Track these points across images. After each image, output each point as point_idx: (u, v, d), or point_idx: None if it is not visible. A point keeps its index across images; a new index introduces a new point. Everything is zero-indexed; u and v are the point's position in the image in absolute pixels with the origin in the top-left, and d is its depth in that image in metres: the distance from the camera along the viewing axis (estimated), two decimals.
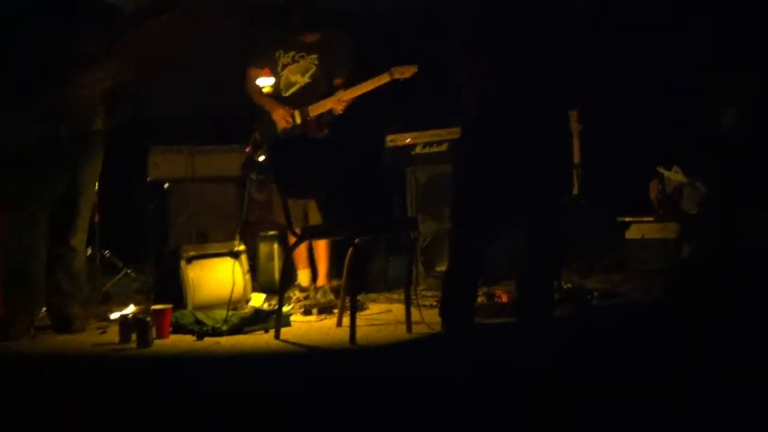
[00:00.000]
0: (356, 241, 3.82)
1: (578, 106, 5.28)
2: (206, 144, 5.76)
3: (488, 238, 3.85)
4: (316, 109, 4.71)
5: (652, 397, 2.52)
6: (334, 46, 4.76)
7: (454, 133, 5.11)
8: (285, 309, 4.12)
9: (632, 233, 5.49)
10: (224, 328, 3.89)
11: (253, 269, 5.01)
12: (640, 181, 5.42)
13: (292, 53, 4.74)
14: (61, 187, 4.01)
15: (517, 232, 3.85)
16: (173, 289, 4.39)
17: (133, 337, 3.70)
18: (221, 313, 4.04)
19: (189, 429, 2.51)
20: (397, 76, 4.52)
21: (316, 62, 4.74)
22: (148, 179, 5.57)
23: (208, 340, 3.77)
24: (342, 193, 4.55)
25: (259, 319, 4.01)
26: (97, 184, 4.43)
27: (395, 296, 4.81)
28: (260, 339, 3.80)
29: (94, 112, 4.11)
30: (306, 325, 4.14)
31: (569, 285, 4.66)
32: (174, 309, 4.00)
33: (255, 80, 4.73)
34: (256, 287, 4.92)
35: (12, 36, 3.89)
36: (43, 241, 4.00)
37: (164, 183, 5.65)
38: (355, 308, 3.68)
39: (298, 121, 4.72)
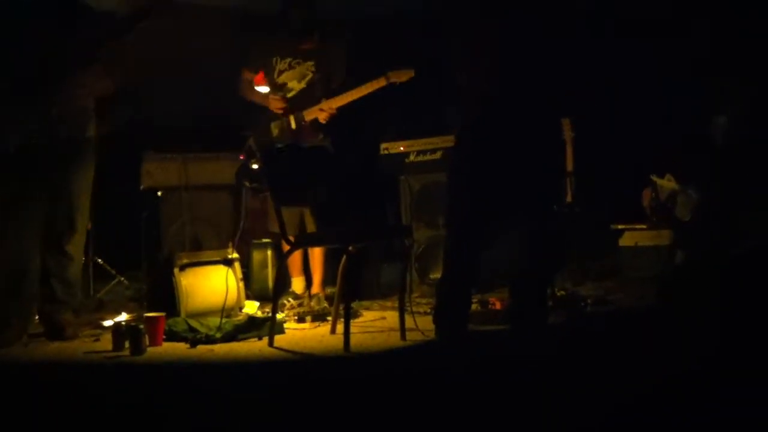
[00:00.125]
0: (350, 248, 3.82)
1: (571, 113, 5.29)
2: (199, 152, 5.75)
3: (483, 245, 3.85)
4: (311, 114, 4.72)
5: (645, 403, 2.52)
6: (331, 55, 4.76)
7: (448, 141, 5.12)
8: (279, 316, 4.12)
9: (625, 240, 5.50)
10: (218, 335, 3.88)
11: (247, 277, 5.00)
12: (633, 188, 5.42)
13: (288, 59, 4.75)
14: (56, 191, 4.00)
15: (511, 239, 3.86)
16: (166, 297, 4.39)
17: (126, 344, 3.69)
18: (215, 321, 4.04)
19: None
20: (393, 79, 4.52)
21: (313, 69, 4.75)
22: (142, 187, 5.56)
23: (202, 348, 3.76)
24: (336, 201, 4.54)
25: (252, 326, 4.01)
26: (90, 189, 4.42)
27: (389, 303, 4.81)
28: (254, 346, 3.79)
29: (88, 117, 4.12)
30: (300, 333, 4.13)
31: (563, 292, 4.67)
32: (167, 316, 3.99)
33: (249, 81, 4.73)
34: (250, 295, 4.91)
35: (12, 36, 3.89)
36: (37, 248, 3.99)
37: (157, 191, 5.64)
38: (349, 315, 3.68)
39: (293, 126, 4.72)
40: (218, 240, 5.49)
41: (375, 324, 4.30)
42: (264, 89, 4.72)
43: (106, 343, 3.84)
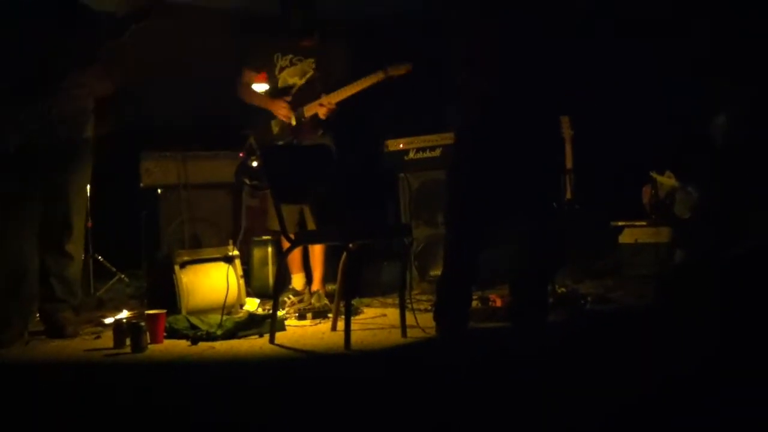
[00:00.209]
0: (350, 246, 3.83)
1: (571, 111, 5.30)
2: (199, 150, 5.76)
3: (483, 244, 3.86)
4: (310, 110, 4.72)
5: (645, 402, 2.52)
6: (331, 54, 4.76)
7: (447, 138, 5.13)
8: (279, 313, 4.12)
9: (625, 237, 5.51)
10: (218, 332, 3.88)
11: (247, 274, 5.01)
12: (632, 185, 5.42)
13: (289, 56, 4.75)
14: (55, 191, 4.00)
15: (511, 236, 3.87)
16: (167, 294, 4.39)
17: (127, 342, 3.69)
18: (215, 318, 4.04)
19: None
20: (391, 73, 4.51)
21: (314, 66, 4.75)
22: (141, 185, 5.57)
23: (203, 345, 3.76)
24: (336, 199, 4.55)
25: (253, 323, 4.01)
26: (88, 189, 4.43)
27: (389, 301, 4.82)
28: (255, 344, 3.79)
29: (87, 117, 4.12)
30: (300, 330, 4.14)
31: (563, 289, 4.67)
32: (168, 314, 3.99)
33: (250, 82, 4.73)
34: (250, 292, 4.92)
35: (12, 36, 3.88)
36: (37, 246, 4.00)
37: (157, 189, 5.64)
38: (350, 313, 3.68)
39: (294, 122, 4.72)
40: (217, 238, 5.50)
41: (376, 321, 4.30)
42: (263, 87, 4.72)
43: (107, 340, 3.85)
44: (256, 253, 5.26)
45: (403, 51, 4.57)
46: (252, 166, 4.69)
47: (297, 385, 3.05)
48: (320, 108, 4.65)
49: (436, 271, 4.78)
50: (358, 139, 5.60)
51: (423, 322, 3.91)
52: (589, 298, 4.49)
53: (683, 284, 4.17)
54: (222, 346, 3.73)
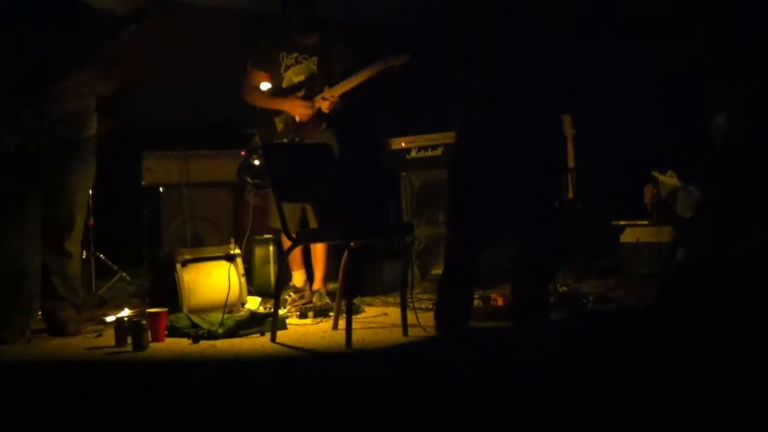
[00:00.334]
0: (352, 244, 3.83)
1: (572, 110, 5.30)
2: (201, 149, 5.76)
3: (484, 244, 3.86)
4: (313, 104, 4.71)
5: (645, 401, 2.52)
6: (332, 52, 4.76)
7: (448, 137, 5.12)
8: (281, 312, 4.13)
9: (627, 237, 5.50)
10: (220, 331, 3.88)
11: (249, 273, 5.01)
12: (634, 185, 5.42)
13: (294, 55, 4.74)
14: (55, 190, 4.01)
15: (512, 236, 3.87)
16: (168, 293, 4.40)
17: (129, 340, 3.69)
18: (217, 316, 4.04)
19: (185, 431, 2.50)
20: (392, 63, 4.50)
21: (317, 64, 4.74)
22: (143, 184, 5.57)
23: (204, 344, 3.77)
24: (337, 197, 4.55)
25: (254, 322, 4.01)
26: (90, 188, 4.43)
27: (391, 299, 4.82)
28: (256, 342, 3.80)
29: (88, 117, 4.12)
30: (302, 328, 4.14)
31: (564, 288, 4.67)
32: (169, 312, 3.99)
33: (257, 83, 4.72)
34: (252, 291, 4.92)
35: (12, 36, 3.89)
36: (38, 245, 4.00)
37: (158, 187, 5.64)
38: (351, 311, 3.68)
39: (297, 119, 4.72)
40: (219, 237, 5.50)
41: (377, 320, 4.30)
42: (266, 85, 4.72)
43: (109, 339, 3.85)
44: (258, 251, 5.27)
45: (403, 50, 4.56)
46: (254, 165, 4.69)
47: (298, 384, 3.05)
48: (323, 102, 4.65)
49: (438, 270, 4.79)
50: (360, 138, 5.60)
51: (424, 321, 3.92)
52: (590, 297, 4.49)
53: (684, 284, 4.17)
54: (223, 345, 3.73)
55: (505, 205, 3.79)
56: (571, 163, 5.40)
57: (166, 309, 3.94)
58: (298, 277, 4.85)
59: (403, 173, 5.45)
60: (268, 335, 3.84)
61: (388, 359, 3.49)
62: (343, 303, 3.94)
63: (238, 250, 4.63)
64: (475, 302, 4.13)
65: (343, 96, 4.63)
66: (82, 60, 3.93)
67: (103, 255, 5.52)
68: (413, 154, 5.43)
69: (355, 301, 4.46)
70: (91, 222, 5.21)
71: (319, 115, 4.70)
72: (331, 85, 4.65)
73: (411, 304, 4.08)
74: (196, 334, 3.86)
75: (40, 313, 4.13)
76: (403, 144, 5.45)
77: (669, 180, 5.17)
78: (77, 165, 4.08)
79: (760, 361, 2.89)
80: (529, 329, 3.73)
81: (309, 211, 4.67)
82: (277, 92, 4.74)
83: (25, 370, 3.47)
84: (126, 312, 4.39)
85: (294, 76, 4.75)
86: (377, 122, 6.02)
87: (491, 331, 3.90)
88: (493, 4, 3.69)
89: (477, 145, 3.71)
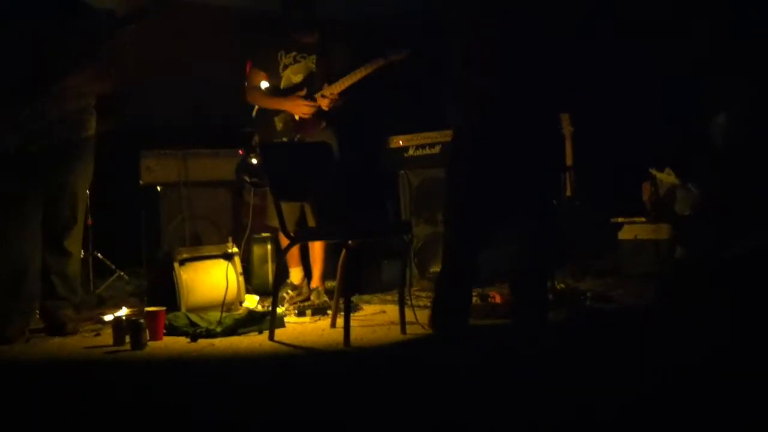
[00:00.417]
0: (350, 243, 3.83)
1: (571, 108, 5.30)
2: (199, 148, 5.76)
3: (483, 242, 3.86)
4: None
5: (645, 401, 2.52)
6: (332, 51, 4.76)
7: (447, 135, 5.12)
8: (279, 310, 4.13)
9: (625, 234, 5.51)
10: (218, 329, 3.88)
11: (247, 271, 5.01)
12: (632, 182, 5.43)
13: (293, 53, 4.75)
14: (55, 190, 4.01)
15: (511, 236, 3.86)
16: (167, 292, 4.39)
17: (127, 339, 3.69)
18: (215, 315, 4.05)
19: (183, 430, 2.50)
20: (392, 59, 4.50)
21: (316, 62, 4.74)
22: (141, 183, 5.57)
23: (202, 342, 3.77)
24: (336, 196, 4.55)
25: (252, 320, 4.01)
26: (88, 187, 4.43)
27: (389, 297, 4.83)
28: (254, 340, 3.80)
29: (88, 117, 4.12)
30: (300, 327, 4.14)
31: (562, 286, 4.67)
32: (168, 311, 4.00)
33: (258, 83, 4.72)
34: (250, 289, 4.92)
35: (12, 36, 3.88)
36: (37, 245, 4.00)
37: (157, 187, 5.64)
38: (349, 309, 3.68)
39: (297, 117, 4.72)
40: (218, 236, 5.50)
41: (375, 318, 4.30)
42: (263, 84, 4.73)
43: (107, 338, 3.85)
44: (256, 250, 5.27)
45: (403, 45, 4.56)
46: (251, 163, 4.68)
47: (297, 382, 3.05)
48: (322, 100, 4.65)
49: (436, 269, 4.78)
50: (360, 137, 5.59)
51: (422, 318, 3.92)
52: (588, 295, 4.49)
53: (683, 284, 4.18)
54: (222, 343, 3.73)
55: (505, 205, 3.79)
56: (569, 161, 5.40)
57: (164, 308, 3.94)
58: (295, 275, 4.85)
59: (402, 172, 5.45)
60: (266, 334, 3.84)
61: (386, 357, 3.49)
62: (341, 301, 3.95)
63: (236, 249, 4.63)
64: (474, 300, 4.13)
65: (342, 93, 4.64)
66: (81, 60, 3.93)
67: (102, 254, 5.52)
68: (411, 152, 5.42)
69: (353, 299, 4.47)
70: (90, 221, 5.21)
71: (318, 113, 4.70)
72: (331, 83, 4.65)
73: (409, 302, 4.09)
74: (195, 332, 3.86)
75: (38, 312, 4.12)
76: (401, 142, 5.45)
77: (667, 178, 5.17)
78: (77, 164, 4.08)
79: (760, 361, 2.89)
80: (529, 329, 3.73)
81: (307, 210, 4.67)
82: (276, 91, 4.74)
83: (24, 369, 3.47)
84: (124, 311, 4.39)
85: (293, 75, 4.75)
86: (377, 121, 6.01)
87: (490, 329, 3.90)
88: (493, 4, 3.69)
89: (477, 145, 3.71)
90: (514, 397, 2.65)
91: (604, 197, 5.57)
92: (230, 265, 4.53)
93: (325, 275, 4.83)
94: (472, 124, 3.75)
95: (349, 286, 3.96)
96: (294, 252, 4.78)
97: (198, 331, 3.88)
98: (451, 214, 3.92)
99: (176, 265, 4.43)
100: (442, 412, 2.52)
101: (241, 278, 4.64)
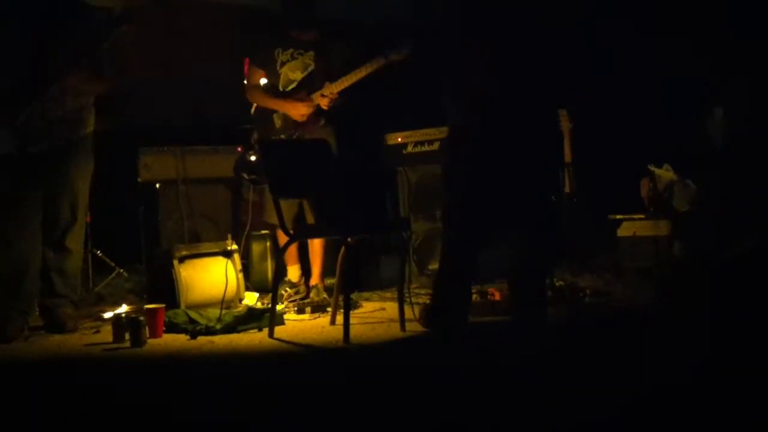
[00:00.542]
0: (349, 240, 3.83)
1: (569, 105, 5.30)
2: (197, 145, 5.76)
3: (483, 242, 3.86)
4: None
5: (644, 401, 2.52)
6: (331, 50, 4.75)
7: (445, 132, 5.10)
8: (278, 308, 4.13)
9: (623, 230, 5.50)
10: (218, 327, 3.89)
11: (246, 268, 5.01)
12: (631, 179, 5.43)
13: (290, 50, 4.74)
14: (55, 189, 4.01)
15: (511, 236, 3.86)
16: (166, 289, 4.40)
17: (127, 336, 3.70)
18: (214, 312, 4.05)
19: (183, 428, 2.50)
20: (392, 58, 4.49)
21: (314, 59, 4.74)
22: (139, 180, 5.56)
23: (202, 339, 3.77)
24: (335, 193, 4.55)
25: (252, 317, 4.01)
26: (88, 186, 4.43)
27: (388, 294, 4.83)
28: (254, 338, 3.80)
29: (87, 115, 4.12)
30: (299, 324, 4.14)
31: (561, 283, 4.67)
32: (167, 308, 4.00)
33: (257, 81, 4.72)
34: (249, 287, 4.92)
35: (12, 36, 3.88)
36: (37, 245, 4.00)
37: (155, 184, 5.64)
38: (349, 306, 3.69)
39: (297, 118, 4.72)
40: (216, 233, 5.49)
41: (374, 315, 4.31)
42: (263, 81, 4.73)
43: (107, 335, 3.86)
44: (255, 247, 5.26)
45: (403, 45, 4.56)
46: (250, 161, 4.69)
47: (296, 379, 3.05)
48: (322, 99, 4.64)
49: (435, 265, 4.78)
50: (359, 135, 5.59)
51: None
52: (587, 291, 4.50)
53: (683, 284, 4.18)
54: (221, 341, 3.73)
55: (505, 205, 3.79)
56: (568, 158, 5.40)
57: (163, 305, 3.95)
58: (293, 272, 4.85)
59: (400, 168, 5.44)
60: (265, 331, 3.85)
61: (385, 354, 3.49)
62: (340, 298, 3.95)
63: (235, 246, 4.64)
64: (473, 297, 4.13)
65: (342, 92, 4.63)
66: (81, 60, 3.92)
67: (101, 252, 5.52)
68: (410, 149, 5.42)
69: (352, 296, 4.46)
70: (89, 219, 5.20)
71: (317, 111, 4.70)
72: (331, 81, 4.65)
73: (408, 299, 4.08)
74: (194, 330, 3.87)
75: (38, 310, 4.13)
76: (399, 139, 5.45)
77: (665, 174, 5.17)
78: (77, 163, 4.09)
79: (760, 361, 2.89)
80: (529, 328, 3.73)
81: (306, 207, 4.67)
82: (274, 89, 4.73)
83: (24, 367, 3.47)
84: (124, 308, 4.39)
85: (290, 72, 4.75)
86: (376, 118, 6.01)
87: (489, 327, 3.90)
88: (492, 3, 3.69)
89: (477, 145, 3.71)
90: (514, 397, 2.65)
91: (602, 194, 5.56)
92: (229, 262, 4.53)
93: (325, 272, 4.82)
94: (471, 124, 3.75)
95: (348, 283, 3.96)
96: (292, 250, 4.78)
97: (197, 328, 3.88)
98: (450, 214, 3.91)
99: (175, 262, 4.43)
100: (441, 411, 2.53)
101: (241, 275, 4.64)
